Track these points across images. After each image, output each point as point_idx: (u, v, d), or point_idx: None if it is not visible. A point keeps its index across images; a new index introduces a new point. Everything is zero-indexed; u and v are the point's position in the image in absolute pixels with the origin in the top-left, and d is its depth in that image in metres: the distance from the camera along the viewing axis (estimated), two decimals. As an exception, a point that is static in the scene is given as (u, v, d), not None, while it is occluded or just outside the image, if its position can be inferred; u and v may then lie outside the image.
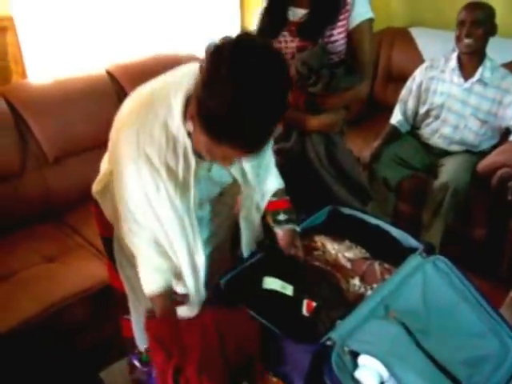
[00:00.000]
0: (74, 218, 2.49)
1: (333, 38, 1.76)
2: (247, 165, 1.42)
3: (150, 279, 1.40)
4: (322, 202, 1.75)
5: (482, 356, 1.27)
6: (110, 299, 2.08)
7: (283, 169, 1.63)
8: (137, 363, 1.40)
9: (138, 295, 1.60)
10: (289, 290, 1.35)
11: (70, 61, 2.73)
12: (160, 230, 1.35)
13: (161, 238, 1.37)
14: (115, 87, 2.70)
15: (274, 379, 1.31)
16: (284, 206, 1.57)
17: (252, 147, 1.12)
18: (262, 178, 1.53)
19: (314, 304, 1.31)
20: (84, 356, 2.09)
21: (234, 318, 1.27)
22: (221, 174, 1.42)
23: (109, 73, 2.74)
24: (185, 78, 1.23)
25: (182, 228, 1.35)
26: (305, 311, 1.30)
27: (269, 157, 1.56)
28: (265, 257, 1.51)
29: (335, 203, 1.74)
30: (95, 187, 1.57)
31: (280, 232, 1.54)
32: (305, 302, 1.32)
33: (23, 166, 2.43)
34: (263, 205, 1.57)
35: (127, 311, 1.76)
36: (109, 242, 1.64)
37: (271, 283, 1.35)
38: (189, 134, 1.23)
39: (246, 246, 1.57)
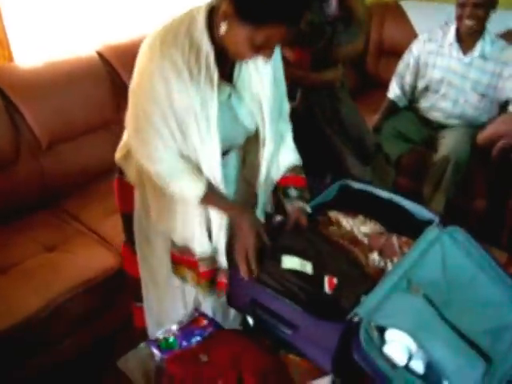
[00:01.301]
0: (72, 204, 2.43)
1: None
2: (267, 113, 1.42)
3: (193, 186, 1.39)
4: (327, 163, 1.75)
5: (503, 325, 1.27)
6: (114, 287, 2.08)
7: None
8: (155, 351, 1.37)
9: (155, 277, 1.62)
10: (308, 267, 1.32)
11: (58, 43, 2.65)
12: (183, 143, 1.35)
13: (185, 152, 1.38)
14: (107, 69, 2.63)
15: (297, 358, 1.31)
16: (298, 184, 1.54)
17: (293, 18, 1.17)
18: (279, 144, 1.52)
19: (335, 280, 1.29)
20: (92, 347, 2.06)
21: (254, 352, 1.28)
22: (241, 107, 1.41)
23: (99, 54, 2.66)
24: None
25: (200, 136, 1.34)
26: (327, 288, 1.28)
27: (286, 123, 1.57)
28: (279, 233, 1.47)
29: (338, 164, 1.73)
30: (118, 154, 1.58)
31: (289, 208, 1.52)
32: (326, 278, 1.30)
33: (17, 154, 2.35)
34: (276, 177, 1.55)
35: (139, 299, 1.75)
36: (129, 219, 1.64)
37: (290, 262, 1.32)
38: (212, 43, 1.26)
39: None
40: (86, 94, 2.52)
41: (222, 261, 1.51)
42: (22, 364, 1.93)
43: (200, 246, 1.50)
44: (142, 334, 1.76)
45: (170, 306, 1.72)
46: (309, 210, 1.52)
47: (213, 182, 1.40)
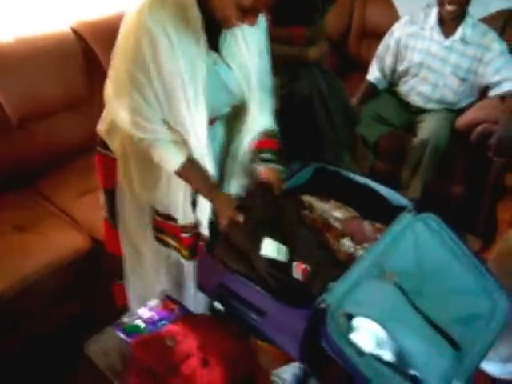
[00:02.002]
0: (44, 184, 2.38)
1: None
2: (254, 83, 1.46)
3: (174, 155, 1.41)
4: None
5: (474, 313, 1.26)
6: (85, 269, 2.05)
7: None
8: (121, 334, 1.34)
9: (138, 252, 1.66)
10: (283, 253, 1.30)
11: (32, 19, 2.57)
12: (168, 110, 1.36)
13: (169, 121, 1.38)
14: (81, 46, 2.55)
15: (265, 344, 1.29)
16: (272, 146, 1.55)
17: None
18: (259, 110, 1.53)
19: (307, 267, 1.27)
20: (62, 329, 2.04)
21: (221, 337, 1.27)
22: (228, 74, 1.42)
23: (74, 31, 2.57)
24: None
25: (186, 101, 1.34)
26: (298, 275, 1.26)
27: (268, 96, 1.57)
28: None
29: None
30: (101, 126, 1.58)
31: (262, 169, 1.51)
32: (294, 264, 1.28)
33: (-14, 132, 2.29)
34: (251, 140, 1.55)
35: (121, 276, 1.76)
36: (111, 195, 1.65)
37: (268, 248, 1.29)
38: (200, 10, 1.27)
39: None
40: (59, 72, 2.45)
41: (205, 232, 1.54)
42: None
43: (183, 215, 1.53)
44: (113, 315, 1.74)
45: (153, 282, 1.73)
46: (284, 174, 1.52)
47: (198, 151, 1.41)
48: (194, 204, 1.53)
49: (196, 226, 1.56)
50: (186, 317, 1.37)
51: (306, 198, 1.51)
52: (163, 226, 1.60)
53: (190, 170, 1.43)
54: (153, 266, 1.70)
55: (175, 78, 1.31)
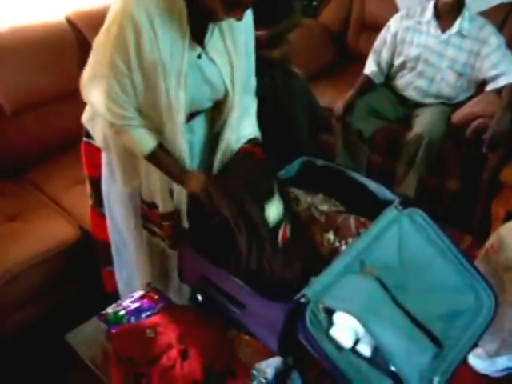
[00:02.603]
0: (35, 174, 2.38)
1: None
2: (237, 80, 1.45)
3: (145, 139, 1.41)
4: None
5: (457, 310, 1.25)
6: (74, 258, 2.05)
7: None
8: (103, 325, 1.35)
9: (125, 239, 1.68)
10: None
11: (27, 8, 2.56)
12: (145, 100, 1.36)
13: (145, 110, 1.38)
14: (76, 35, 2.53)
15: (247, 337, 1.29)
16: (256, 154, 1.55)
17: None
18: (242, 115, 1.54)
19: (288, 232, 1.29)
20: (48, 319, 2.03)
21: (201, 329, 1.27)
22: (211, 68, 1.41)
23: (69, 20, 2.56)
24: None
25: (166, 92, 1.33)
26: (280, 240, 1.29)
27: (251, 97, 1.60)
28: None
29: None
30: (85, 116, 1.59)
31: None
32: (280, 231, 1.30)
33: (-21, 121, 2.29)
34: (236, 147, 1.55)
35: (109, 262, 1.79)
36: (96, 183, 1.67)
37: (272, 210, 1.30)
38: (186, 2, 1.27)
39: None
40: (53, 62, 2.44)
41: (185, 220, 1.55)
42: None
43: (162, 203, 1.54)
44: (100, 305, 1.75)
45: (137, 270, 1.74)
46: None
47: (173, 142, 1.41)
48: (171, 193, 1.53)
49: (176, 215, 1.56)
50: (168, 308, 1.37)
51: (293, 191, 1.50)
52: (149, 214, 1.61)
53: (161, 154, 1.43)
54: (136, 254, 1.70)
55: (156, 68, 1.30)
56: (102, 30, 1.33)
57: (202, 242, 1.30)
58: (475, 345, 1.26)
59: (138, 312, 1.37)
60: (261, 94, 1.83)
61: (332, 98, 2.88)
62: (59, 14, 2.58)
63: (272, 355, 1.24)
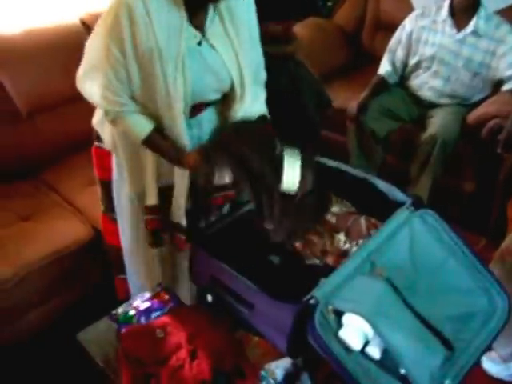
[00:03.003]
0: (50, 174, 2.40)
1: None
2: (244, 68, 1.44)
3: (141, 123, 1.41)
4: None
5: (469, 313, 1.24)
6: (87, 258, 2.07)
7: None
8: (113, 324, 1.35)
9: (135, 243, 1.67)
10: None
11: (41, 10, 2.58)
12: (141, 89, 1.36)
13: (141, 95, 1.38)
14: (90, 37, 2.56)
15: (256, 338, 1.29)
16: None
17: None
18: (254, 97, 1.51)
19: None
20: (60, 319, 2.05)
21: (210, 330, 1.27)
22: (212, 55, 1.41)
23: (83, 22, 2.59)
24: None
25: (164, 80, 1.33)
26: None
27: (261, 89, 1.58)
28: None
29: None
30: (95, 119, 1.61)
31: None
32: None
33: (-5, 122, 2.31)
34: None
35: (122, 271, 1.78)
36: (107, 186, 1.66)
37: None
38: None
39: None
40: (67, 64, 2.40)
41: (181, 218, 1.55)
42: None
43: (149, 195, 1.54)
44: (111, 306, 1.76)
45: (150, 270, 1.74)
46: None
47: (174, 130, 1.41)
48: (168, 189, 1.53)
49: (160, 210, 1.56)
50: (177, 308, 1.38)
51: (304, 192, 1.49)
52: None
53: (157, 138, 1.42)
54: (146, 256, 1.71)
55: (153, 55, 1.30)
56: (99, 22, 1.35)
57: (212, 242, 1.31)
58: (489, 348, 1.24)
59: (147, 312, 1.37)
60: (281, 85, 1.87)
61: (346, 99, 2.86)
62: (73, 17, 2.61)
63: (281, 356, 1.24)
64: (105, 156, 1.62)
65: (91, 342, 1.37)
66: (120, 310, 1.40)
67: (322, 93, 2.24)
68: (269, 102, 1.60)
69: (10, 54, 2.35)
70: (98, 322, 1.43)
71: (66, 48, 2.47)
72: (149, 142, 1.43)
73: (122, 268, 1.79)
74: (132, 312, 1.38)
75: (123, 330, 1.32)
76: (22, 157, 2.39)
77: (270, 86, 1.60)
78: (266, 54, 1.58)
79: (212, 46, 1.40)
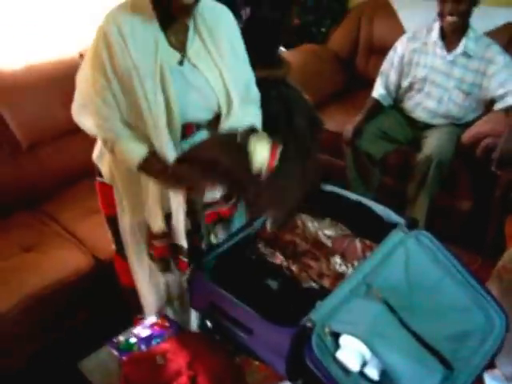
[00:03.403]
0: (50, 205, 2.42)
1: None
2: (230, 85, 1.45)
3: (136, 149, 1.42)
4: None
5: (467, 331, 1.24)
6: (87, 287, 2.08)
7: None
8: (114, 352, 1.36)
9: (149, 274, 1.65)
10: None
11: (41, 45, 2.65)
12: (129, 110, 1.39)
13: (132, 121, 1.41)
14: (89, 70, 2.61)
15: (256, 362, 1.30)
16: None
17: None
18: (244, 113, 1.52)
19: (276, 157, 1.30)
20: (62, 347, 2.05)
21: (210, 356, 1.28)
22: (195, 75, 1.44)
23: (82, 56, 2.63)
24: None
25: (146, 98, 1.36)
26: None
27: (255, 107, 1.58)
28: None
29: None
30: (94, 153, 1.64)
31: None
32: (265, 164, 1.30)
33: (-4, 155, 2.35)
34: None
35: (139, 310, 1.75)
36: (114, 222, 1.66)
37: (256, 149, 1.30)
38: (160, 9, 1.34)
39: None
40: (67, 97, 2.45)
41: (183, 241, 1.55)
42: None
43: (154, 221, 1.54)
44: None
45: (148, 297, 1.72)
46: None
47: (159, 145, 1.41)
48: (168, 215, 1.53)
49: (168, 235, 1.56)
50: (177, 335, 1.39)
51: (300, 217, 1.51)
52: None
53: (151, 163, 1.42)
54: (147, 285, 1.70)
55: (131, 74, 1.35)
56: (85, 57, 1.43)
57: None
58: (491, 366, 1.24)
59: (148, 339, 1.39)
60: (272, 108, 1.89)
61: (341, 123, 2.89)
62: (73, 51, 2.66)
63: (281, 380, 1.24)
64: (108, 191, 1.62)
65: (92, 371, 1.38)
66: (121, 337, 1.42)
67: (313, 114, 2.26)
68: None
69: (10, 89, 2.41)
70: (98, 350, 1.44)
71: (65, 82, 2.46)
72: (144, 168, 1.43)
73: (138, 308, 1.77)
74: (133, 340, 1.39)
75: (124, 358, 1.33)
76: (23, 188, 2.42)
77: (262, 110, 1.62)
78: (256, 79, 1.61)
79: (194, 66, 1.43)
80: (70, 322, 2.11)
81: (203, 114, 1.50)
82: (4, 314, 1.88)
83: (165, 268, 1.63)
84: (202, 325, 1.36)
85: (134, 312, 1.81)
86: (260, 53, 1.85)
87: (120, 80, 1.36)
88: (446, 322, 1.24)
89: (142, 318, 1.71)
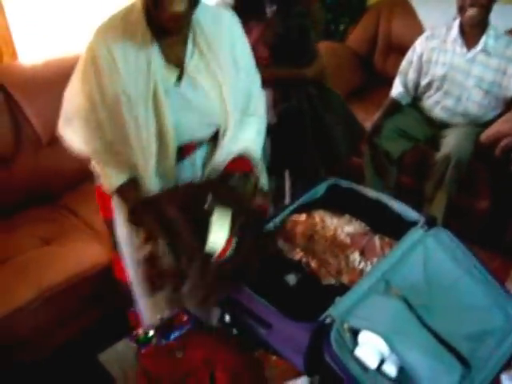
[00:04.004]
0: (70, 199, 2.46)
1: None
2: (228, 99, 1.39)
3: (114, 175, 1.38)
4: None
5: (486, 330, 1.24)
6: (105, 281, 2.07)
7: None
8: (133, 345, 1.38)
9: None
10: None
11: (61, 40, 2.67)
12: (115, 135, 1.33)
13: (115, 141, 1.35)
14: (108, 65, 2.63)
15: (274, 357, 1.30)
16: (242, 168, 1.48)
17: None
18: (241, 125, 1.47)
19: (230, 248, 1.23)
20: (81, 339, 2.08)
21: (228, 350, 1.28)
22: (195, 93, 1.37)
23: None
24: None
25: (136, 125, 1.31)
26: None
27: (254, 119, 1.52)
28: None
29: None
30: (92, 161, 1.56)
31: None
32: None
33: (17, 149, 2.39)
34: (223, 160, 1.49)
35: (132, 303, 1.72)
36: (110, 225, 1.62)
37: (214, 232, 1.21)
38: (154, 25, 1.25)
39: None
40: None
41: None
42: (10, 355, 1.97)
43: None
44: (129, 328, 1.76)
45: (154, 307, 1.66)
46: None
47: (145, 172, 1.37)
48: None
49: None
50: (196, 329, 1.39)
51: (319, 213, 1.52)
52: None
53: (128, 191, 1.39)
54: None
55: (120, 100, 1.28)
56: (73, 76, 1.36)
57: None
58: (509, 365, 1.24)
59: (167, 333, 1.40)
60: (298, 107, 1.87)
61: (361, 120, 2.85)
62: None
63: (299, 375, 1.25)
64: (106, 196, 1.55)
65: (112, 363, 1.39)
66: (140, 330, 1.43)
67: (353, 123, 2.17)
68: (284, 133, 1.61)
69: (31, 83, 2.44)
70: (118, 342, 1.45)
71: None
72: (120, 194, 1.41)
73: (132, 301, 1.73)
74: (152, 333, 1.40)
75: (143, 351, 1.34)
76: (43, 182, 2.46)
77: (284, 116, 1.60)
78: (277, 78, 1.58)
79: (194, 82, 1.36)
80: (89, 314, 2.14)
81: (204, 132, 1.46)
82: (24, 307, 1.91)
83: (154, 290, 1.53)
84: (221, 318, 1.36)
85: (128, 304, 1.77)
86: (283, 50, 1.83)
87: (107, 105, 1.30)
88: (465, 320, 1.24)
89: (136, 312, 1.71)
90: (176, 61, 1.34)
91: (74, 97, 1.36)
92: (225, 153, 1.47)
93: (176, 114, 1.34)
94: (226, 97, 1.38)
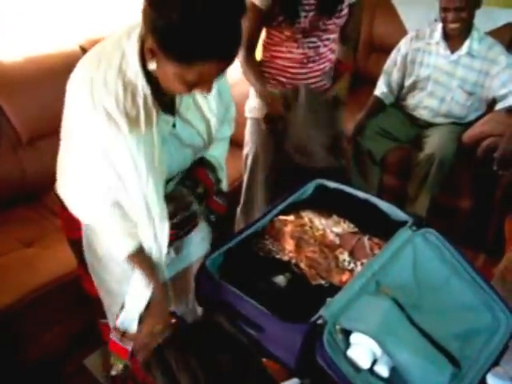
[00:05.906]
0: (52, 199, 2.37)
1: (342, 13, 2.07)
2: (214, 128, 1.39)
3: (122, 243, 1.33)
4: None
5: (473, 329, 1.25)
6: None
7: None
8: (116, 340, 1.35)
9: (115, 299, 1.49)
10: None
11: (41, 37, 2.63)
12: (122, 193, 1.25)
13: (121, 200, 1.28)
14: (90, 63, 2.59)
15: (265, 360, 1.29)
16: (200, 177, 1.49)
17: (224, 52, 1.06)
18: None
19: None
20: (64, 343, 2.03)
21: None
22: (187, 131, 1.35)
23: (83, 48, 2.62)
24: (137, 23, 1.14)
25: (142, 191, 1.24)
26: None
27: (229, 127, 1.56)
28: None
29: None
30: (57, 184, 1.47)
31: None
32: None
33: (-4, 148, 2.33)
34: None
35: (103, 315, 1.64)
36: (77, 244, 1.54)
37: None
38: (148, 81, 1.16)
39: None
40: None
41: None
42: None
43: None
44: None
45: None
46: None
47: (149, 231, 1.32)
48: None
49: None
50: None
51: (306, 214, 1.51)
52: None
53: (138, 258, 1.35)
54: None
55: (126, 165, 1.20)
56: (67, 132, 1.29)
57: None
58: (496, 364, 1.25)
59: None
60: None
61: (343, 121, 2.89)
62: (73, 43, 2.64)
63: (290, 377, 1.24)
64: (70, 216, 1.42)
65: (98, 367, 1.38)
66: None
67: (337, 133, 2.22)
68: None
69: (10, 81, 2.39)
70: (103, 347, 1.43)
71: (65, 74, 2.44)
72: (131, 263, 1.36)
73: (102, 313, 1.64)
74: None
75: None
76: (23, 181, 2.41)
77: None
78: None
79: (186, 121, 1.34)
80: (74, 319, 2.08)
81: (190, 162, 1.45)
82: (6, 310, 1.87)
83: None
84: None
85: (99, 316, 1.68)
86: None
87: (114, 169, 1.21)
88: (453, 320, 1.25)
89: (106, 324, 1.63)
90: (169, 105, 1.29)
91: (73, 156, 1.30)
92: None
93: (171, 155, 1.31)
94: (213, 127, 1.39)
